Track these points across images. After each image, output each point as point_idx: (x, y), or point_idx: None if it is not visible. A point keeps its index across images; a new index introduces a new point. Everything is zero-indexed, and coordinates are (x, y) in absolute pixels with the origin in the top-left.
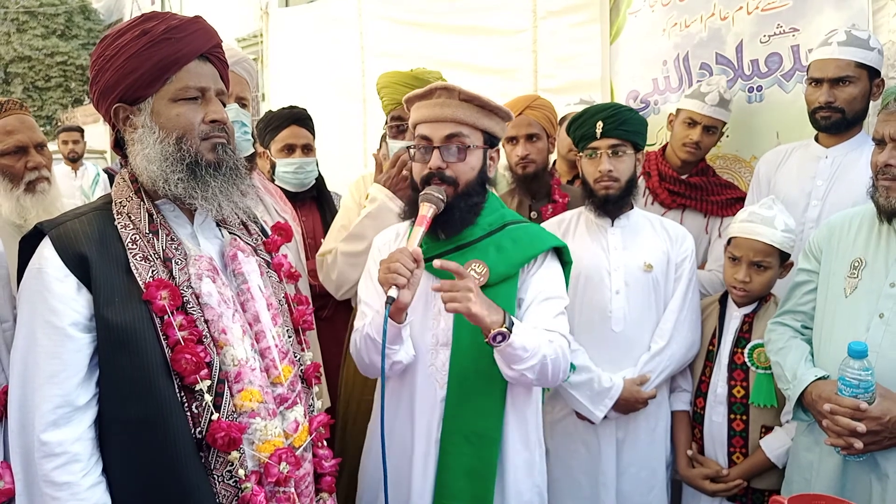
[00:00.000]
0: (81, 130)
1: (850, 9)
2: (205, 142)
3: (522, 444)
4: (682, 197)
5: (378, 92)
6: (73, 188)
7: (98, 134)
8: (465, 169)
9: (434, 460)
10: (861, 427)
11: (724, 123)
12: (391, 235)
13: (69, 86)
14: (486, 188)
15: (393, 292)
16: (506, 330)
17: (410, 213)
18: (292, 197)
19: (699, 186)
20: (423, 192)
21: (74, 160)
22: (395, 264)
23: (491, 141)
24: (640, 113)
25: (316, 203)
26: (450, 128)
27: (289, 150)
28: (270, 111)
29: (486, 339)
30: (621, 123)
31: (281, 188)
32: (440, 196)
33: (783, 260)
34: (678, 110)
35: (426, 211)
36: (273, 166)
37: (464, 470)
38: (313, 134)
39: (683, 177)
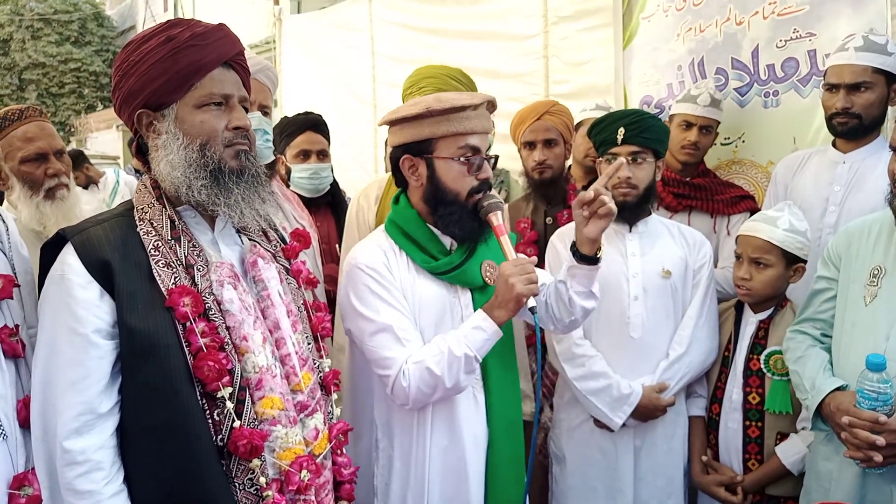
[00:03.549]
0: (74, 164)
1: (867, 13)
2: (228, 149)
3: None
4: (687, 199)
5: (417, 83)
6: (98, 202)
7: (110, 140)
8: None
9: (483, 460)
10: (880, 440)
11: (718, 123)
12: (379, 253)
13: (82, 92)
14: None
15: (533, 302)
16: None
17: (452, 228)
18: (307, 202)
19: (704, 187)
20: (489, 203)
21: (86, 187)
22: (532, 275)
23: None
24: None
25: (331, 208)
26: (488, 139)
27: (304, 155)
28: (286, 117)
29: (593, 254)
30: (643, 131)
31: (296, 194)
32: (501, 200)
33: (791, 261)
34: (672, 116)
35: (500, 219)
36: (288, 172)
37: (508, 459)
38: (328, 140)
39: (687, 179)
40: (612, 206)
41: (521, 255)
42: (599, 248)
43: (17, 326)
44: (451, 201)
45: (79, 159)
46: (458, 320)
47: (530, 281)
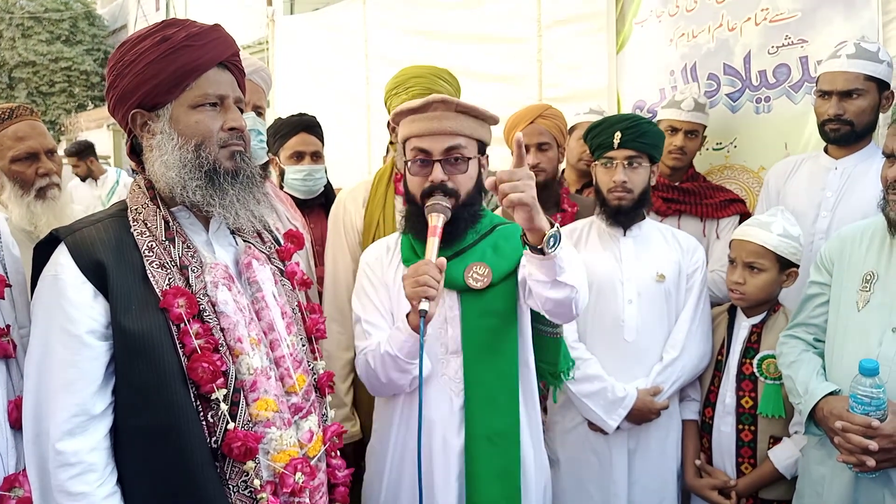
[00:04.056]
0: (80, 153)
1: (859, 20)
2: (223, 149)
3: (531, 441)
4: (676, 203)
5: (404, 83)
6: (92, 197)
7: (102, 140)
8: (465, 180)
9: (457, 469)
10: (873, 445)
11: (705, 127)
12: (381, 250)
13: (73, 91)
14: (482, 195)
15: (425, 305)
16: (557, 233)
17: (410, 226)
18: (301, 204)
19: (693, 191)
20: (429, 204)
21: (84, 179)
22: (423, 277)
23: (482, 148)
24: None
25: (324, 210)
26: (449, 140)
27: (298, 157)
28: (280, 118)
29: (538, 244)
30: (640, 135)
31: (290, 195)
32: (447, 205)
33: (784, 266)
34: (658, 122)
35: (437, 221)
36: (282, 173)
37: (494, 472)
38: (322, 141)
39: (676, 184)
40: (515, 195)
41: (440, 260)
42: (544, 236)
43: (7, 327)
44: (411, 201)
45: (86, 151)
46: (441, 320)
47: (418, 284)
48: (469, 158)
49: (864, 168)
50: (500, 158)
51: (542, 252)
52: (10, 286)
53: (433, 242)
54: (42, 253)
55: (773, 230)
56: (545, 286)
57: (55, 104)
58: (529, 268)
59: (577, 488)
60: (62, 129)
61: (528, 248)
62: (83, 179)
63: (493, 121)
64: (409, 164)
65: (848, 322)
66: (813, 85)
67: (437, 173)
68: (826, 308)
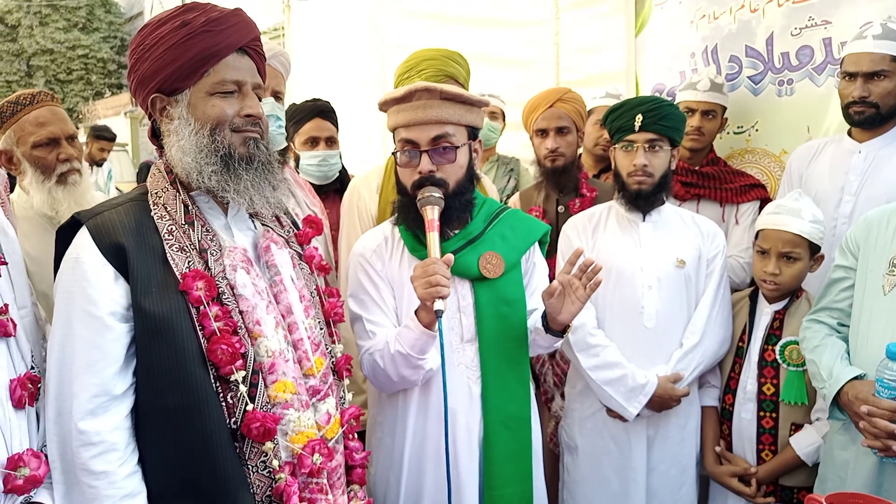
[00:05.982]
0: (111, 139)
1: (884, 1)
2: (237, 134)
3: (535, 423)
4: (696, 187)
5: (416, 66)
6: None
7: (120, 128)
8: (454, 169)
9: (478, 453)
10: None
11: (724, 108)
12: (378, 241)
13: (90, 78)
14: (474, 182)
15: (440, 305)
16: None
17: (402, 217)
18: (316, 189)
19: (713, 175)
20: (421, 197)
21: (90, 164)
22: (435, 277)
23: (473, 134)
24: None
25: (339, 195)
26: (436, 129)
27: (312, 142)
28: (294, 104)
29: (560, 329)
30: (661, 118)
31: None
32: (439, 196)
33: (813, 252)
34: None
35: (433, 214)
36: (297, 159)
37: (507, 455)
38: (337, 126)
39: (695, 168)
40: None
41: (448, 256)
42: (569, 327)
43: (6, 305)
44: (403, 193)
45: (107, 133)
46: (454, 309)
47: (430, 284)
48: (457, 147)
49: (889, 151)
50: (517, 144)
51: (562, 334)
52: (5, 264)
53: (434, 238)
54: (64, 237)
55: (804, 217)
56: (547, 344)
57: (73, 92)
58: (535, 336)
59: (595, 475)
60: (80, 116)
61: (549, 330)
62: (91, 164)
63: (483, 104)
64: (397, 154)
65: (874, 306)
66: (836, 67)
67: (425, 164)
68: (851, 292)
